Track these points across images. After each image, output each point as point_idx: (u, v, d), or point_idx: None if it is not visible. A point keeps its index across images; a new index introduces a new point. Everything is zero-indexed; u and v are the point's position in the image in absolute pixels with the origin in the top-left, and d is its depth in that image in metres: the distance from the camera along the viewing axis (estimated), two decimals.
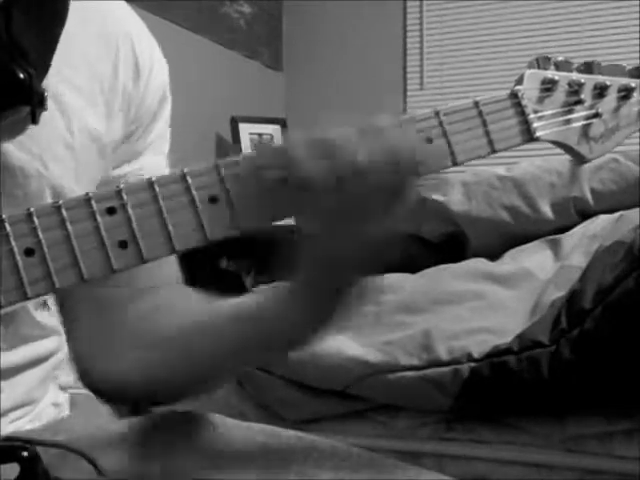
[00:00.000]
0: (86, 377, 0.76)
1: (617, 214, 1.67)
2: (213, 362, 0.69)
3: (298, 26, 3.88)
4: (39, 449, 0.60)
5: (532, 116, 0.63)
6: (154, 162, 0.76)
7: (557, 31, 3.43)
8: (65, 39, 0.66)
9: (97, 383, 0.75)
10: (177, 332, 0.70)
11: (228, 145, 3.36)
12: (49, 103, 0.63)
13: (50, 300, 0.74)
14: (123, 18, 0.75)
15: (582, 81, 0.65)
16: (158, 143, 0.78)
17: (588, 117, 0.66)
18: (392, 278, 1.65)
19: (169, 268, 0.75)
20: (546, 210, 1.77)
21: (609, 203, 1.75)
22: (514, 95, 0.63)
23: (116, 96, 0.71)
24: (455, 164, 0.62)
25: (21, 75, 0.59)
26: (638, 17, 3.28)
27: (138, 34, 0.75)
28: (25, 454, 0.56)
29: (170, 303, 0.73)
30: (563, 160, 1.84)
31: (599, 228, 1.63)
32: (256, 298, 0.67)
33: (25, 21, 0.62)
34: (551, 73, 0.65)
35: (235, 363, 0.71)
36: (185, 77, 2.97)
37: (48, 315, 0.73)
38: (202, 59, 3.25)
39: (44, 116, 0.63)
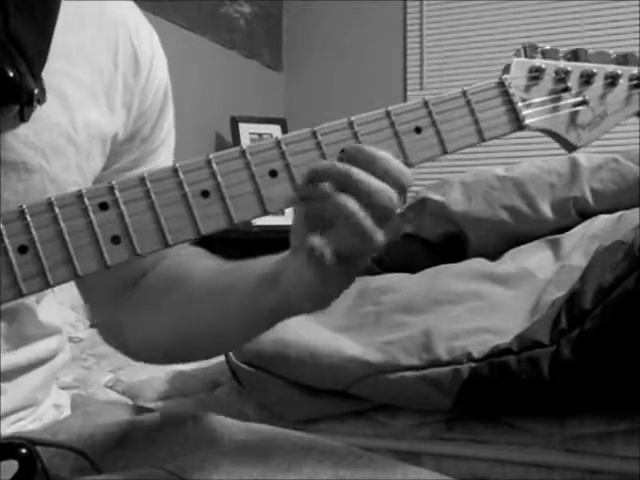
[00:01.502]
0: (119, 347, 0.78)
1: (617, 214, 1.67)
2: (226, 323, 0.68)
3: (298, 26, 3.88)
4: (39, 448, 0.60)
5: (520, 104, 0.63)
6: (167, 160, 0.77)
7: (557, 31, 3.43)
8: (64, 33, 0.66)
9: (130, 352, 0.77)
10: (194, 294, 0.70)
11: (228, 145, 3.36)
12: (52, 97, 0.63)
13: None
14: (121, 11, 0.74)
15: (569, 69, 0.66)
16: (169, 140, 0.78)
17: (575, 104, 0.66)
18: (392, 278, 1.65)
19: None
20: (546, 210, 1.77)
21: (609, 203, 1.75)
22: (501, 84, 0.64)
23: (116, 89, 0.71)
24: (445, 152, 0.62)
25: (10, 73, 0.59)
26: (638, 17, 3.28)
27: (137, 26, 0.75)
28: (24, 452, 0.57)
29: (185, 268, 0.74)
30: (563, 160, 1.84)
31: (599, 228, 1.63)
32: (264, 262, 0.66)
33: (21, 14, 0.62)
34: (538, 61, 0.66)
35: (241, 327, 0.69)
36: (185, 77, 2.97)
37: (51, 314, 0.73)
38: (202, 59, 3.25)
39: (47, 110, 0.63)
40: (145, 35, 0.75)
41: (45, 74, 0.63)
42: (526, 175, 1.82)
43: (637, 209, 1.57)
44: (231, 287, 0.67)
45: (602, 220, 1.67)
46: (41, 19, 0.64)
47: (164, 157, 0.77)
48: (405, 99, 3.71)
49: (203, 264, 0.73)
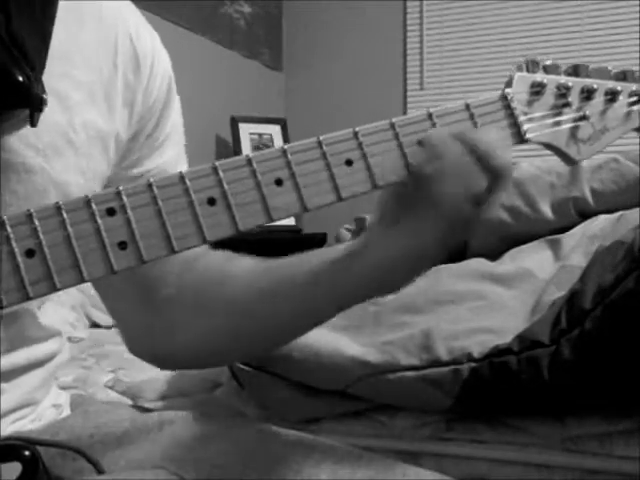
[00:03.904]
0: (146, 354, 0.78)
1: (617, 214, 1.67)
2: (278, 322, 0.69)
3: (298, 26, 3.88)
4: (40, 449, 0.60)
5: (522, 118, 0.65)
6: (175, 155, 0.77)
7: (557, 31, 3.44)
8: (63, 34, 0.66)
9: (160, 358, 0.77)
10: (241, 296, 0.70)
11: (228, 145, 3.37)
12: (51, 99, 0.63)
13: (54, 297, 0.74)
14: (120, 10, 0.74)
15: (570, 84, 0.67)
16: (174, 134, 0.77)
17: (576, 119, 0.67)
18: None
19: None
20: (546, 210, 1.77)
21: (609, 203, 1.75)
22: (504, 97, 0.65)
23: (116, 89, 0.71)
24: None
25: (20, 78, 0.59)
26: (638, 17, 3.28)
27: (136, 25, 0.75)
28: (27, 453, 0.57)
29: (225, 269, 0.74)
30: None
31: (599, 228, 1.63)
32: (318, 255, 0.67)
33: (22, 17, 0.62)
34: (540, 76, 0.67)
35: (299, 322, 0.70)
36: (185, 77, 2.97)
37: (51, 317, 0.73)
38: (202, 59, 3.26)
39: (47, 111, 0.63)
40: (144, 33, 0.75)
41: (44, 75, 0.63)
42: (526, 175, 1.82)
43: (637, 209, 1.57)
44: (284, 281, 0.67)
45: (602, 220, 1.68)
46: (40, 20, 0.64)
47: (172, 153, 0.76)
48: (405, 99, 3.71)
49: (242, 264, 0.74)
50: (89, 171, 0.69)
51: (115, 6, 0.74)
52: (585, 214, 1.76)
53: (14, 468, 0.56)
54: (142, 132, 0.74)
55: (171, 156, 0.76)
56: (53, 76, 0.65)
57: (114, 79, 0.71)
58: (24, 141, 0.63)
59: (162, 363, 0.78)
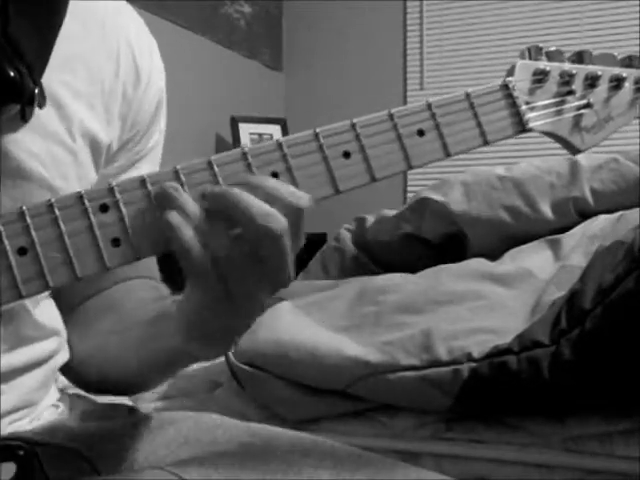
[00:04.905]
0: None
1: (617, 214, 1.67)
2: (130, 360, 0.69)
3: (298, 26, 3.88)
4: (38, 449, 0.60)
5: (524, 107, 0.63)
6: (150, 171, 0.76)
7: (557, 31, 3.44)
8: (66, 42, 0.66)
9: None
10: (112, 325, 0.71)
11: (228, 145, 3.36)
12: (49, 106, 0.63)
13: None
14: (124, 21, 0.74)
15: (573, 71, 0.65)
16: (156, 151, 0.77)
17: (579, 107, 0.66)
18: (392, 278, 1.65)
19: (147, 263, 0.76)
20: (546, 210, 1.77)
21: (609, 203, 1.75)
22: (505, 86, 0.63)
23: (115, 101, 0.71)
24: (448, 156, 0.62)
25: (11, 73, 0.59)
26: (638, 17, 3.28)
27: (138, 38, 0.75)
28: (22, 453, 0.56)
29: (124, 294, 0.74)
30: (562, 160, 1.84)
31: (599, 228, 1.63)
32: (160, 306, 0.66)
33: (22, 20, 0.62)
34: (542, 64, 0.65)
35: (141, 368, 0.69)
36: (185, 77, 2.97)
37: (48, 315, 0.73)
38: (202, 59, 3.26)
39: (44, 118, 0.63)
40: (145, 45, 0.75)
41: (45, 82, 0.63)
42: (526, 175, 1.82)
43: (637, 209, 1.57)
44: (136, 322, 0.67)
45: (602, 220, 1.67)
46: (43, 26, 0.64)
47: (150, 167, 0.76)
48: (405, 99, 3.71)
49: (138, 296, 0.73)
50: (85, 181, 0.69)
51: (117, 13, 0.73)
52: (585, 214, 1.76)
53: (12, 468, 0.56)
54: (128, 144, 0.74)
55: (147, 170, 0.75)
56: (53, 84, 0.65)
57: (115, 91, 0.71)
58: (21, 146, 0.63)
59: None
